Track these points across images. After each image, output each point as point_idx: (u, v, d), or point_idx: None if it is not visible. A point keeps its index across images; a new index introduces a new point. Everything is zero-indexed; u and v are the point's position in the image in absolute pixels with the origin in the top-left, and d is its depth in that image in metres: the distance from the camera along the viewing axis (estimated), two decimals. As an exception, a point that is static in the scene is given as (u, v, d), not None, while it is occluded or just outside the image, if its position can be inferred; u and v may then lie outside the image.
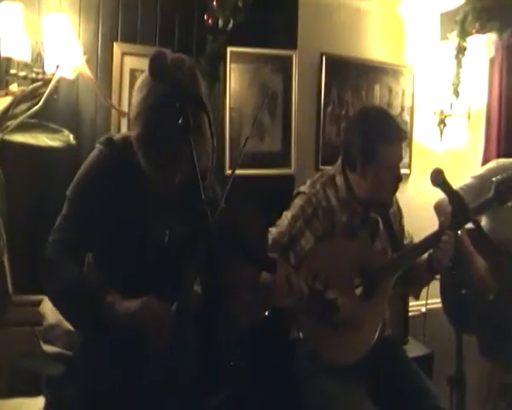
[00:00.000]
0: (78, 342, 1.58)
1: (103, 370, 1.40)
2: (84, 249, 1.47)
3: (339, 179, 2.02)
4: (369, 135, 1.93)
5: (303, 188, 2.06)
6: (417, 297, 2.22)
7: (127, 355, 1.35)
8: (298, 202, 2.01)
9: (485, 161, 3.20)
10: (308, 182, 2.08)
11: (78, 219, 1.41)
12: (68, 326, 1.93)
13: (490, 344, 2.46)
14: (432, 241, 1.95)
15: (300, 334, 2.02)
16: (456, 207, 1.77)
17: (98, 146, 1.46)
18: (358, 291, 1.97)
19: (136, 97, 1.37)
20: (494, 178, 2.05)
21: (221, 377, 1.26)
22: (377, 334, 1.99)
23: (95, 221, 1.39)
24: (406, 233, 2.20)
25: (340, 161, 2.06)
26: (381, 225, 2.07)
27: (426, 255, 2.02)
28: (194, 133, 1.21)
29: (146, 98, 1.34)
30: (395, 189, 2.01)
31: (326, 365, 1.92)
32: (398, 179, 1.98)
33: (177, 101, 1.21)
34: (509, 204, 2.07)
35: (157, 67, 1.25)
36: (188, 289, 1.40)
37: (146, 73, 1.35)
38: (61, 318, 1.88)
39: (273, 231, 1.97)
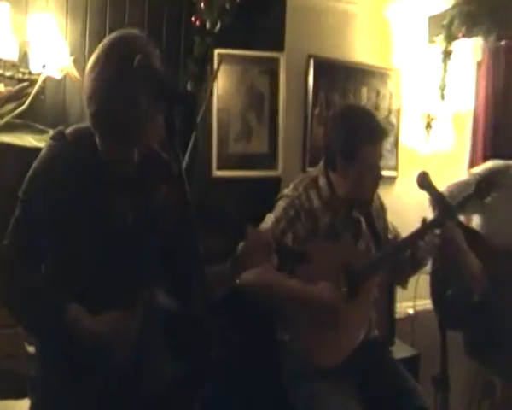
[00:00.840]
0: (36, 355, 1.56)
1: (63, 385, 1.40)
2: (39, 252, 1.43)
3: (321, 180, 2.09)
4: (350, 135, 2.00)
5: (286, 191, 2.13)
6: (405, 287, 2.28)
7: (88, 367, 1.37)
8: (281, 204, 2.08)
9: (472, 163, 3.31)
10: (291, 185, 2.15)
11: (31, 221, 1.39)
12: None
13: (475, 344, 2.55)
14: (415, 238, 2.02)
15: (286, 335, 2.09)
16: (440, 205, 1.86)
17: (49, 141, 1.46)
18: (344, 291, 2.03)
19: (88, 77, 1.37)
20: (476, 175, 2.13)
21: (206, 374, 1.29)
22: (363, 334, 2.06)
23: (49, 219, 1.38)
24: (390, 227, 2.27)
25: (322, 161, 2.13)
26: (363, 225, 2.14)
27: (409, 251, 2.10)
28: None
29: (98, 76, 1.35)
30: (375, 186, 2.08)
31: (312, 366, 1.98)
32: (378, 177, 2.06)
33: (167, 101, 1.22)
34: (501, 202, 2.15)
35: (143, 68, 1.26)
36: (153, 281, 1.45)
37: (98, 50, 1.39)
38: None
39: None
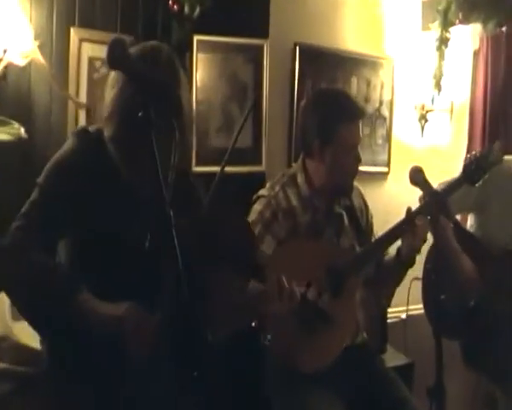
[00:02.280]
0: (39, 355, 1.56)
1: (72, 386, 1.39)
2: (52, 241, 1.44)
3: (300, 177, 2.08)
4: (326, 114, 2.00)
5: (262, 191, 2.12)
6: (388, 304, 2.25)
7: (100, 369, 1.35)
8: (256, 207, 2.07)
9: (469, 158, 3.30)
10: (268, 184, 2.14)
11: (49, 207, 1.40)
12: (16, 340, 1.92)
13: (474, 352, 2.54)
14: (399, 229, 2.00)
15: (267, 340, 2.07)
16: (428, 194, 1.84)
17: (73, 137, 1.47)
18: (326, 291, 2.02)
19: (109, 94, 1.39)
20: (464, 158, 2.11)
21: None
22: (349, 336, 2.05)
23: (66, 214, 1.38)
24: (375, 232, 2.25)
25: (300, 158, 2.12)
26: (346, 221, 2.13)
27: (394, 253, 2.08)
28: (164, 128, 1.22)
29: (118, 96, 1.35)
30: (355, 171, 2.06)
31: (296, 372, 1.97)
32: (357, 160, 2.04)
33: (145, 94, 1.22)
34: (497, 201, 2.15)
35: (115, 57, 1.25)
36: (168, 297, 1.41)
37: None
38: (8, 330, 1.89)
39: None
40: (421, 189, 2.06)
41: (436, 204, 1.89)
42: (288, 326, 1.96)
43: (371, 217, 2.27)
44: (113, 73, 1.41)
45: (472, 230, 2.61)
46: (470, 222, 2.66)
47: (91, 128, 1.51)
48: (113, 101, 1.37)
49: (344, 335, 2.04)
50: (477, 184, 2.09)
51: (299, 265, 1.96)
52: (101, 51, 2.37)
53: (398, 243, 2.03)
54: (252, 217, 2.03)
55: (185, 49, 2.60)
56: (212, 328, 1.24)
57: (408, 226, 1.97)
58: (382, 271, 2.14)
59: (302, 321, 1.93)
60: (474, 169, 2.07)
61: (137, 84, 1.25)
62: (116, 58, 1.25)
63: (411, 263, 2.05)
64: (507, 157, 2.62)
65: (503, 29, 3.23)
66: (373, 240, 2.21)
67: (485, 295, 2.34)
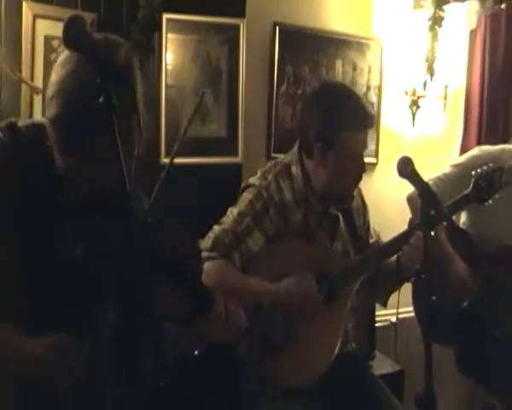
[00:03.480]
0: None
1: None
2: None
3: (295, 169, 2.04)
4: (330, 118, 1.95)
5: (253, 179, 2.07)
6: (385, 305, 2.25)
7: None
8: (246, 195, 2.02)
9: (464, 149, 3.29)
10: (259, 172, 2.09)
11: None
12: None
13: (466, 359, 2.54)
14: (399, 242, 1.98)
15: (245, 351, 2.05)
16: (427, 203, 1.80)
17: None
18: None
19: (58, 73, 1.32)
20: (473, 172, 2.10)
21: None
22: (337, 349, 2.03)
23: None
24: (372, 231, 2.23)
25: (296, 147, 2.08)
26: (341, 223, 2.10)
27: (394, 257, 2.06)
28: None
29: (70, 75, 1.29)
30: (358, 180, 2.04)
31: (279, 386, 1.94)
32: (361, 170, 2.01)
33: (105, 78, 1.18)
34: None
35: (72, 35, 1.21)
36: (104, 319, 1.39)
37: None
38: None
39: (216, 228, 1.98)
40: (411, 182, 2.01)
41: (438, 221, 1.86)
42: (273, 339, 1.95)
43: (369, 216, 2.23)
44: (66, 52, 1.34)
45: (465, 227, 2.61)
46: (463, 219, 2.66)
47: (23, 123, 1.43)
48: (64, 79, 1.30)
49: (332, 347, 2.01)
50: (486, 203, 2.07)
51: (287, 268, 1.96)
52: (59, 29, 2.30)
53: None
54: (240, 206, 1.99)
55: (153, 29, 2.54)
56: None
57: (408, 239, 1.94)
58: (380, 276, 2.11)
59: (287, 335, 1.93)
60: (485, 187, 2.04)
61: (96, 67, 1.19)
62: (73, 37, 1.21)
63: (410, 275, 2.03)
64: (504, 146, 2.63)
65: (503, 6, 3.24)
66: (370, 239, 2.19)
67: (479, 295, 2.34)
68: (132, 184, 1.19)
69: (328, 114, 1.96)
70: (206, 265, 1.76)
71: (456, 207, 2.11)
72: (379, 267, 2.08)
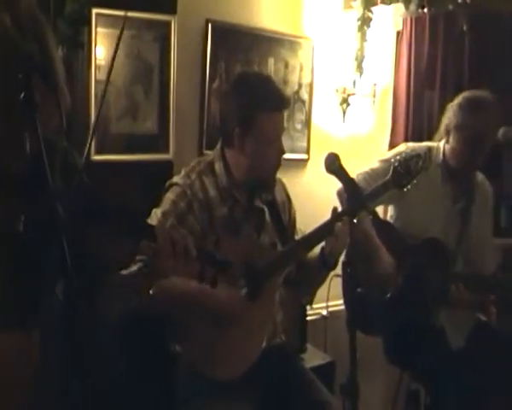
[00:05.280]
0: None
1: None
2: None
3: (218, 165, 2.06)
4: (247, 101, 1.98)
5: (176, 178, 2.07)
6: (310, 303, 2.29)
7: None
8: (169, 196, 2.02)
9: (392, 145, 3.40)
10: (183, 171, 2.09)
11: None
12: None
13: (392, 347, 2.63)
14: (323, 232, 2.04)
15: (177, 346, 2.05)
16: (351, 194, 1.87)
17: None
18: (243, 293, 2.02)
19: None
20: (393, 159, 2.17)
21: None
22: (265, 341, 2.06)
23: None
24: (298, 230, 2.28)
25: (219, 144, 2.11)
26: (267, 216, 2.13)
27: (318, 251, 2.11)
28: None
29: None
30: (277, 164, 2.07)
31: (209, 380, 1.96)
32: (280, 152, 2.05)
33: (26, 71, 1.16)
34: (413, 190, 2.20)
35: None
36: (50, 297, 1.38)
37: None
38: None
39: None
40: (338, 177, 2.07)
41: (359, 208, 1.91)
42: (201, 332, 1.95)
43: (294, 212, 2.27)
44: None
45: (392, 220, 2.70)
46: (390, 213, 2.75)
47: None
48: None
49: (260, 339, 2.04)
50: (405, 189, 2.15)
51: None
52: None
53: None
54: (164, 207, 1.98)
55: (82, 24, 2.49)
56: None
57: (332, 228, 1.99)
58: (304, 270, 2.15)
59: (215, 324, 1.93)
60: (404, 173, 2.11)
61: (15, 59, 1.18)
62: None
63: (334, 265, 2.08)
64: (429, 143, 2.73)
65: (425, 10, 3.36)
66: (296, 236, 2.22)
67: (403, 286, 2.42)
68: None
69: (245, 97, 1.99)
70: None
71: (377, 194, 2.16)
72: (302, 262, 2.13)
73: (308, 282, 2.24)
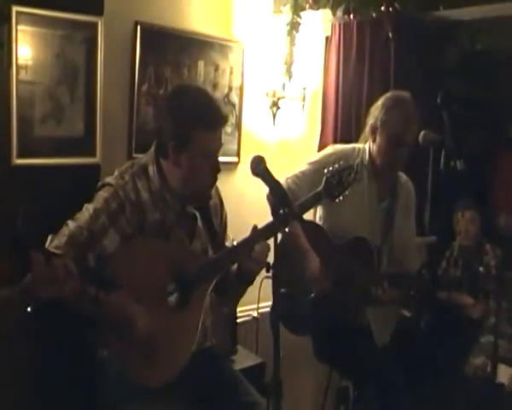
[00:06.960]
0: None
1: None
2: None
3: (151, 169, 2.04)
4: (183, 117, 1.97)
5: (109, 179, 2.04)
6: (234, 308, 2.30)
7: None
8: (102, 194, 1.99)
9: (321, 147, 3.45)
10: (116, 172, 2.06)
11: None
12: None
13: (322, 347, 2.67)
14: (249, 245, 2.04)
15: (105, 352, 2.02)
16: (279, 201, 1.87)
17: None
18: (173, 299, 2.01)
19: None
20: (325, 170, 2.21)
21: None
22: (195, 345, 2.05)
23: None
24: (227, 236, 2.28)
25: (153, 147, 2.09)
26: (199, 221, 2.13)
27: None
28: None
29: None
30: (213, 180, 2.07)
31: (138, 385, 1.93)
32: (216, 170, 2.04)
33: None
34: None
35: None
36: None
37: None
38: None
39: (70, 224, 1.93)
40: (263, 180, 2.08)
41: (290, 219, 1.91)
42: (127, 339, 1.92)
43: (226, 215, 2.28)
44: None
45: (321, 222, 2.75)
46: (320, 213, 2.79)
47: None
48: None
49: (190, 345, 2.02)
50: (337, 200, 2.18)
51: (144, 268, 1.95)
52: None
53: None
54: (96, 204, 1.96)
55: (3, 21, 2.41)
56: None
57: (250, 248, 2.01)
58: (225, 281, 2.15)
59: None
60: (336, 184, 2.16)
61: None
62: None
63: (251, 281, 2.10)
64: (355, 145, 2.79)
65: (351, 17, 3.43)
66: (226, 241, 2.23)
67: (327, 287, 2.46)
68: None
69: (181, 114, 1.98)
70: None
71: (309, 205, 2.21)
72: (227, 272, 2.12)
73: (229, 292, 2.24)
